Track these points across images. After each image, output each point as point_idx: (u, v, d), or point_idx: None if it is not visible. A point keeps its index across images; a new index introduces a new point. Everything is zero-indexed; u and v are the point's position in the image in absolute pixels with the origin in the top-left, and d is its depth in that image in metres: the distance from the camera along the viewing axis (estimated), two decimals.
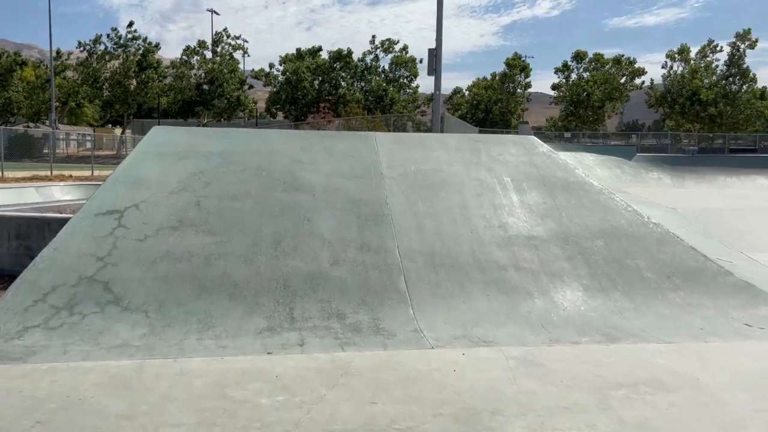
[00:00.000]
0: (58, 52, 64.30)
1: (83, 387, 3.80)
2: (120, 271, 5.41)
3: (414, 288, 5.64)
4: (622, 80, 63.67)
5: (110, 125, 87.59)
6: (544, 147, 7.71)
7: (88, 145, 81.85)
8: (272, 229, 6.09)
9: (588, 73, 64.02)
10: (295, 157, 7.18)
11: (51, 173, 25.60)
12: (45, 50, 75.13)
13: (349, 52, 60.65)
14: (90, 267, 5.39)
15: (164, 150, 6.87)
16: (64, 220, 5.97)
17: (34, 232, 6.05)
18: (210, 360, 4.38)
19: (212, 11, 78.29)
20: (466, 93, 75.71)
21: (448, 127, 33.34)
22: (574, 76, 64.85)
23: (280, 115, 64.16)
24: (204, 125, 65.83)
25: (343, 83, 61.37)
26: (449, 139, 7.84)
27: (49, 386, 3.80)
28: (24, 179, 23.07)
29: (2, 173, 23.48)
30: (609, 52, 66.70)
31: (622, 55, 63.37)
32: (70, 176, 25.61)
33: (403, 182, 6.91)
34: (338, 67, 60.99)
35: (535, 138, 8.00)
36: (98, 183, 23.39)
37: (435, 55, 26.18)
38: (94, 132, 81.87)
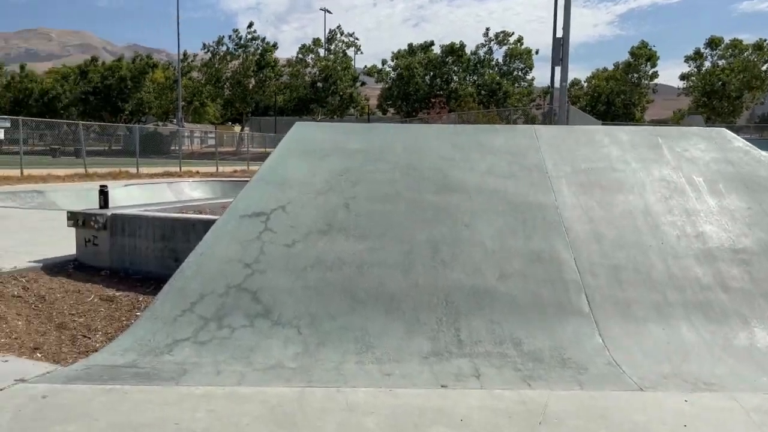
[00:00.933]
0: (184, 54, 67.87)
1: (244, 421, 3.30)
2: (268, 279, 4.96)
3: (598, 309, 4.78)
4: (764, 68, 57.97)
5: (230, 123, 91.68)
6: (739, 141, 6.54)
7: (210, 142, 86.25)
8: (427, 235, 5.44)
9: (724, 61, 58.86)
10: (446, 155, 6.48)
11: (180, 169, 26.65)
12: (172, 53, 79.67)
13: (462, 46, 59.47)
14: (237, 274, 4.97)
15: (307, 147, 6.41)
16: (209, 222, 5.63)
17: (178, 234, 5.77)
18: (377, 392, 3.76)
19: (325, 10, 79.85)
20: (585, 85, 72.12)
21: (572, 119, 31.47)
22: (707, 64, 59.88)
23: (391, 111, 64.14)
24: (319, 122, 67.22)
25: (455, 78, 60.30)
26: (619, 132, 6.83)
27: (206, 418, 3.33)
28: (157, 175, 24.08)
29: (137, 169, 24.68)
30: (743, 39, 60.69)
31: (765, 40, 57.62)
32: (197, 172, 26.55)
33: (573, 182, 6.02)
34: (450, 61, 59.96)
35: (728, 131, 6.83)
36: (223, 179, 24.04)
37: (561, 43, 24.69)
38: (216, 129, 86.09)
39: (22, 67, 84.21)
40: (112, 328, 4.88)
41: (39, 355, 4.35)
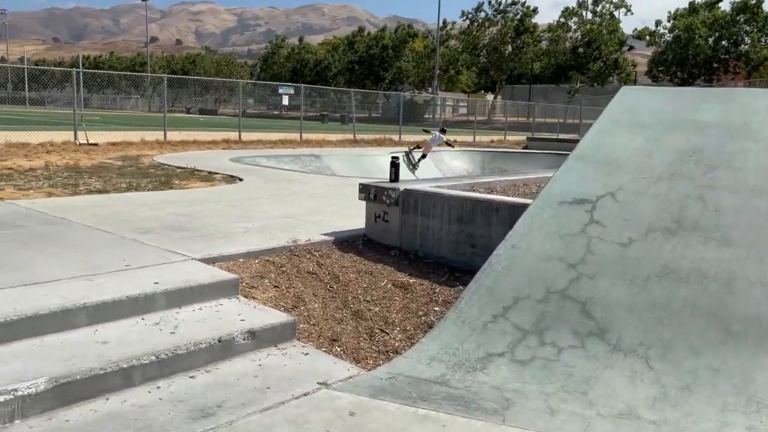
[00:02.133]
0: (443, 22, 68.77)
1: None
2: (600, 287, 3.89)
3: None
4: None
5: (482, 91, 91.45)
6: None
7: (461, 110, 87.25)
8: None
9: None
10: None
11: None
12: (428, 23, 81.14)
13: (759, 2, 50.61)
14: (560, 277, 3.98)
15: (640, 118, 5.12)
16: (517, 207, 4.72)
17: (478, 217, 4.97)
18: None
19: None
20: None
21: None
22: None
23: (665, 79, 57.66)
24: (576, 91, 63.36)
25: (746, 39, 51.80)
26: None
27: None
28: (416, 142, 24.29)
29: (400, 136, 25.21)
30: None
31: None
32: (455, 141, 26.27)
33: None
34: (742, 20, 51.57)
35: None
36: (482, 149, 23.41)
37: None
38: (467, 97, 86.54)
39: (300, 40, 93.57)
40: (410, 323, 4.26)
41: (338, 349, 3.87)
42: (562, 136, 31.91)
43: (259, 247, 5.13)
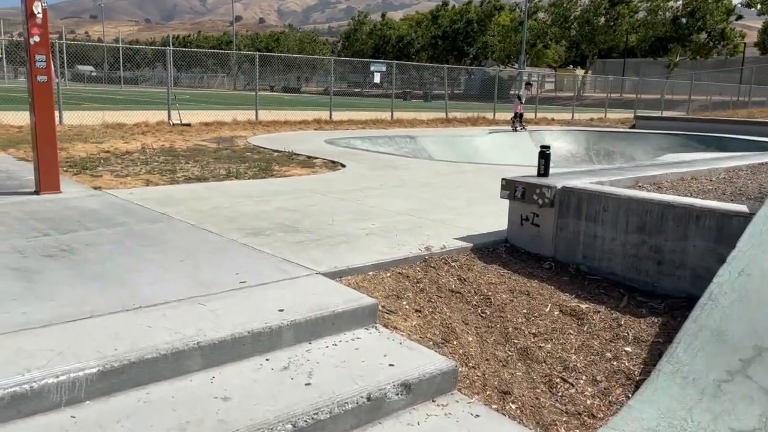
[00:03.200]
0: None
1: None
2: None
3: None
4: None
5: (570, 66, 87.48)
6: None
7: (547, 86, 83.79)
8: None
9: None
10: None
11: (535, 115, 25.09)
12: None
13: None
14: None
15: None
16: (731, 216, 3.62)
17: (668, 226, 3.90)
18: None
19: None
20: None
21: None
22: None
23: None
24: (675, 64, 59.21)
25: None
26: None
27: None
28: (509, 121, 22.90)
29: (494, 114, 23.85)
30: None
31: None
32: (552, 119, 24.70)
33: None
34: None
35: None
36: (584, 128, 21.74)
37: None
38: (555, 72, 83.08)
39: (383, 15, 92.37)
40: (598, 370, 3.28)
41: (512, 406, 2.96)
42: (672, 114, 29.54)
43: (388, 256, 4.27)
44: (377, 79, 21.52)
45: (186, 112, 16.80)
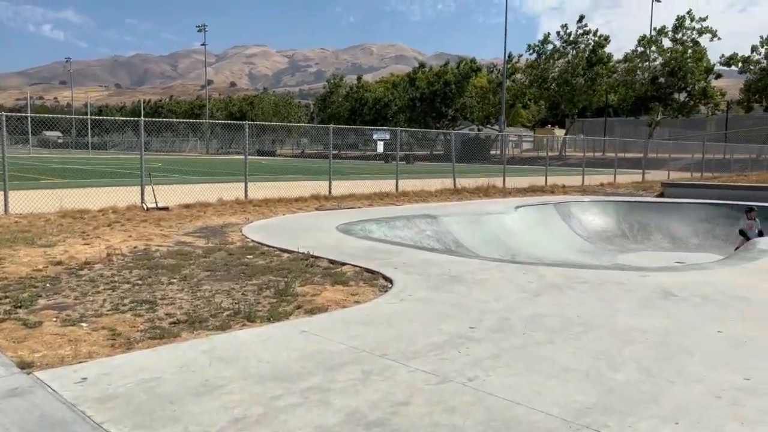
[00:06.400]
0: (509, 56, 65.44)
1: None
2: None
3: None
4: None
5: (549, 125, 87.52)
6: None
7: (525, 146, 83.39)
8: None
9: None
10: None
11: (546, 183, 23.07)
12: (479, 58, 78.60)
13: None
14: None
15: None
16: None
17: None
18: None
19: None
20: None
21: None
22: None
23: (759, 109, 52.77)
24: (657, 124, 58.90)
25: None
26: None
27: None
28: (524, 191, 20.84)
29: (504, 183, 21.72)
30: None
31: None
32: (563, 186, 22.71)
33: None
34: None
35: None
36: (609, 199, 19.60)
37: None
38: (534, 132, 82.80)
39: (358, 78, 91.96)
40: None
41: None
42: (679, 175, 27.92)
43: None
44: (381, 148, 19.33)
45: (162, 188, 14.29)
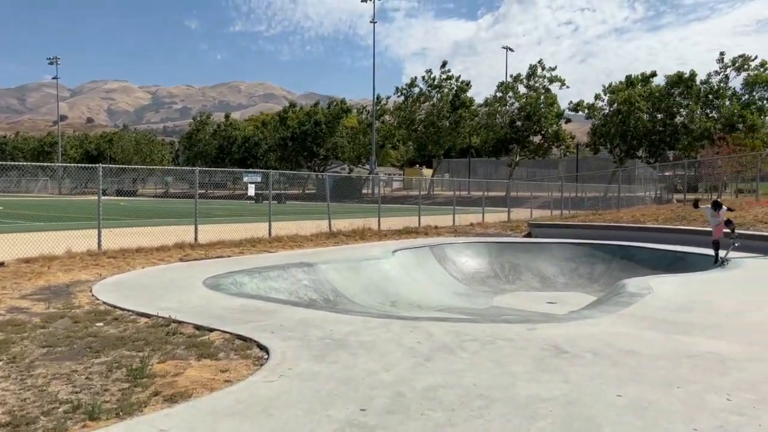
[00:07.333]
0: (378, 98, 66.91)
1: None
2: None
3: None
4: None
5: (417, 165, 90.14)
6: None
7: (395, 185, 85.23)
8: None
9: None
10: None
11: (419, 223, 23.21)
12: (350, 99, 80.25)
13: (693, 75, 51.73)
14: None
15: None
16: None
17: None
18: None
19: (507, 48, 76.05)
20: None
21: None
22: None
23: (604, 151, 57.74)
24: (516, 164, 62.55)
25: (682, 111, 52.60)
26: None
27: None
28: (398, 232, 20.77)
29: (379, 225, 21.54)
30: None
31: None
32: (436, 227, 22.98)
33: None
34: (676, 93, 52.46)
35: None
36: (480, 240, 19.92)
37: None
38: (404, 174, 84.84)
39: (227, 116, 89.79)
40: None
41: None
42: (568, 222, 29.36)
43: None
44: (251, 191, 18.37)
45: None
